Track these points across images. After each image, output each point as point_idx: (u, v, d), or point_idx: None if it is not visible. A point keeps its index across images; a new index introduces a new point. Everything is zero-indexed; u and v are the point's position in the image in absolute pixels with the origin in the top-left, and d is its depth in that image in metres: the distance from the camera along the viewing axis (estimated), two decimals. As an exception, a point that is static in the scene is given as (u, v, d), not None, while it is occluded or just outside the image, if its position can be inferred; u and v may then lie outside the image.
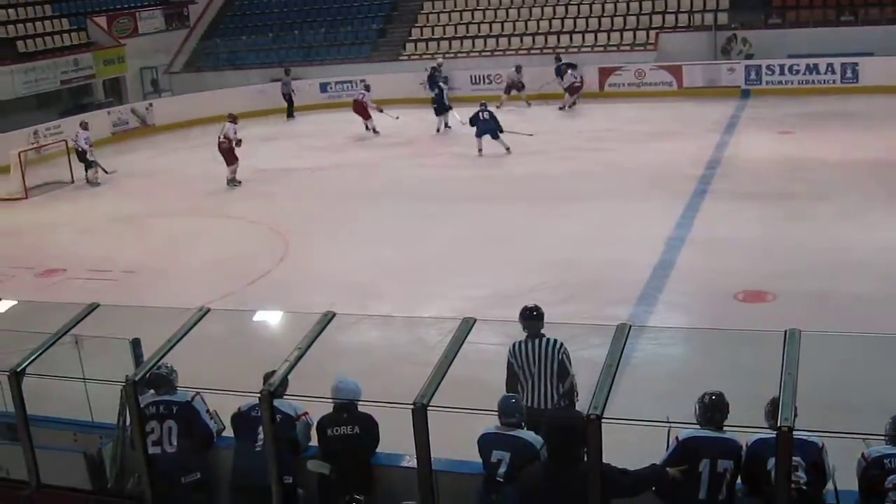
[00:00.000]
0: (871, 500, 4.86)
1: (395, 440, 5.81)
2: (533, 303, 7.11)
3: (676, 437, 5.14)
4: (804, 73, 23.16)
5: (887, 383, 6.90)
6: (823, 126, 19.45)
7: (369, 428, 5.84)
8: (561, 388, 6.72)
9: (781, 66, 23.37)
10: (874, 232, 12.43)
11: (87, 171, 19.52)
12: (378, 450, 5.90)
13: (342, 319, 6.25)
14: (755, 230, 12.93)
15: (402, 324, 10.01)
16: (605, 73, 24.89)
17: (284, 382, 5.62)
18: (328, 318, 6.01)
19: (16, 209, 18.29)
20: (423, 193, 16.52)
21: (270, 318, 8.96)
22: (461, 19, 28.23)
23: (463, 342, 5.52)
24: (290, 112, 26.01)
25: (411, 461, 5.39)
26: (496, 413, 5.48)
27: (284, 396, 5.69)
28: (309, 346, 5.78)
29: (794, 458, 4.63)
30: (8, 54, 25.49)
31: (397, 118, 22.41)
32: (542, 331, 6.86)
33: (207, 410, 6.15)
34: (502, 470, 5.28)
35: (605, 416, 4.67)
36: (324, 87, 27.37)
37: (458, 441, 5.62)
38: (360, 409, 5.89)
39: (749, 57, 24.13)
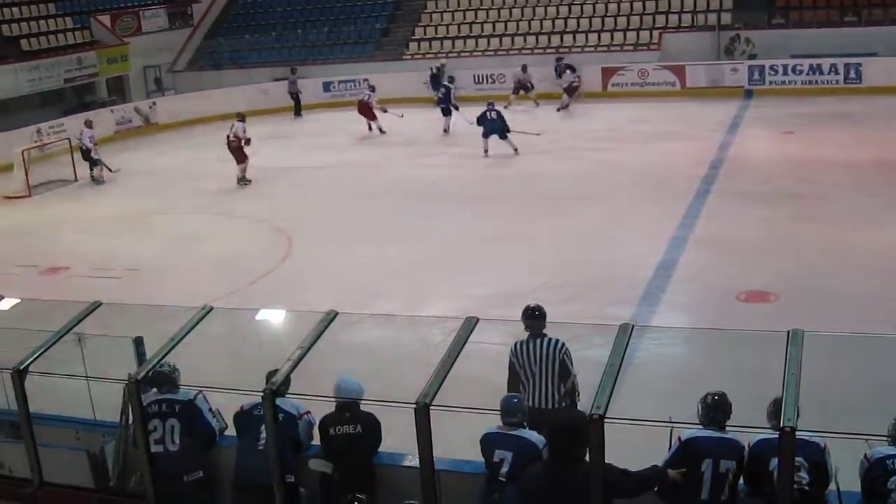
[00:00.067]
0: (873, 500, 4.86)
1: (398, 439, 5.83)
2: (535, 302, 7.11)
3: (679, 438, 5.15)
4: (807, 74, 23.14)
5: (890, 384, 6.90)
6: (826, 126, 19.43)
7: (371, 427, 5.84)
8: (562, 388, 6.72)
9: (785, 67, 23.35)
10: (877, 232, 12.42)
11: (91, 169, 19.54)
12: (380, 449, 5.89)
13: (345, 318, 6.26)
14: (758, 230, 12.92)
15: (404, 323, 10.00)
16: (608, 72, 24.88)
17: (287, 381, 5.63)
18: (331, 316, 6.02)
19: (19, 207, 18.31)
20: (426, 193, 16.52)
21: (273, 316, 8.94)
22: (465, 19, 28.24)
23: (465, 341, 5.52)
24: (297, 111, 26.11)
25: (413, 460, 5.40)
26: (499, 413, 5.47)
27: (287, 395, 5.70)
28: (311, 345, 5.79)
29: (796, 458, 4.63)
30: (12, 52, 25.54)
31: (402, 116, 22.43)
32: (545, 330, 6.86)
33: (210, 409, 6.16)
34: (504, 469, 5.27)
35: (607, 415, 4.67)
36: (327, 87, 27.38)
37: (460, 441, 5.63)
38: (363, 408, 5.89)
39: (752, 57, 24.10)
